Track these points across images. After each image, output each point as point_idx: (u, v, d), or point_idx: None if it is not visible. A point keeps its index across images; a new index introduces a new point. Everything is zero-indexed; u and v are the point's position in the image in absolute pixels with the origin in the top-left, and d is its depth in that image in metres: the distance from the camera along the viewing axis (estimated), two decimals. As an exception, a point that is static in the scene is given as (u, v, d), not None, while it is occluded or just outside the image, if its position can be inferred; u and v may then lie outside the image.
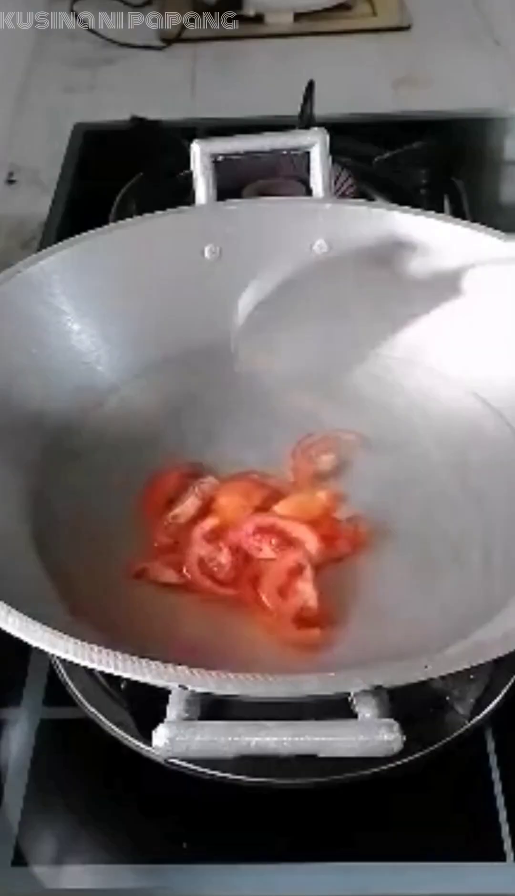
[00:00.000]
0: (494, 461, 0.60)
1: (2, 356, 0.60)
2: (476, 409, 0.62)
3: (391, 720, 0.40)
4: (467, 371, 0.64)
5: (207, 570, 0.54)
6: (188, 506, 0.58)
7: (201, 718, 0.41)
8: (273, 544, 0.55)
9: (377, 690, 0.41)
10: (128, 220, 0.69)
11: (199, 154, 0.65)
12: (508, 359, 0.62)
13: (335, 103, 0.92)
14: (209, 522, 0.57)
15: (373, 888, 0.48)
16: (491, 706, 0.52)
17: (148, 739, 0.41)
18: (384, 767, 0.48)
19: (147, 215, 0.67)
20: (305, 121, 0.88)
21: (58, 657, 0.49)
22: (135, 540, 0.57)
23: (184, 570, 0.54)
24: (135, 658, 0.42)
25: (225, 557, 0.55)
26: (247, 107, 1.01)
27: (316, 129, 0.66)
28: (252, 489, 0.58)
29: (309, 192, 0.67)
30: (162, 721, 0.40)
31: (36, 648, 0.43)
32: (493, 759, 0.52)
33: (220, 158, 0.65)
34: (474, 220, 0.66)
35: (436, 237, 0.65)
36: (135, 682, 0.42)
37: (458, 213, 0.86)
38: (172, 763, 0.49)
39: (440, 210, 0.84)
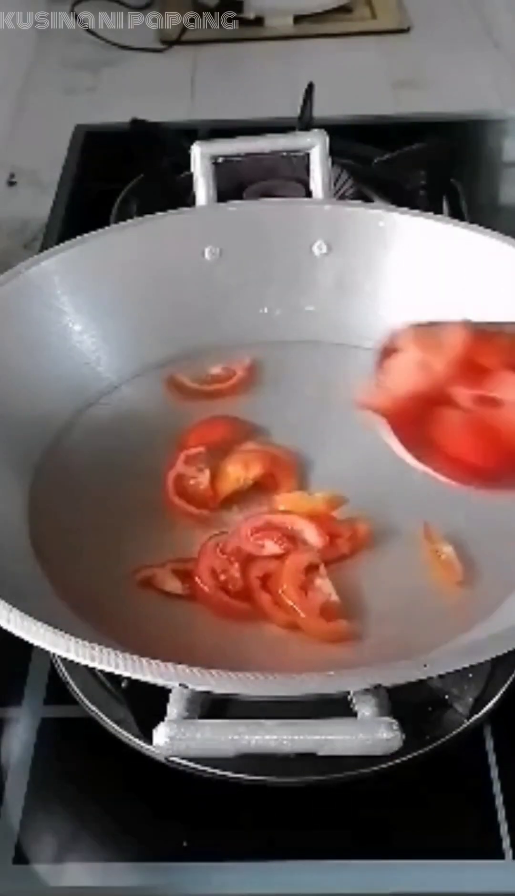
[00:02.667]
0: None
1: (3, 356, 0.60)
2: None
3: (390, 719, 0.40)
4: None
5: (220, 582, 0.54)
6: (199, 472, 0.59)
7: (202, 717, 0.41)
8: (274, 539, 0.55)
9: (376, 689, 0.41)
10: (129, 221, 0.69)
11: (200, 155, 0.65)
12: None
13: (334, 105, 0.92)
14: (221, 536, 0.56)
15: (373, 887, 0.48)
16: (490, 705, 0.52)
17: (148, 738, 0.41)
18: (383, 766, 0.49)
19: (147, 216, 0.68)
20: (305, 122, 0.88)
21: (59, 656, 0.49)
22: (136, 540, 0.57)
23: (197, 581, 0.54)
24: (135, 657, 0.42)
25: (236, 571, 0.54)
26: (247, 108, 1.01)
27: (315, 130, 0.67)
28: (251, 460, 0.59)
29: (308, 193, 0.68)
30: (162, 720, 0.40)
31: (37, 647, 0.43)
32: (492, 758, 0.52)
33: (220, 160, 0.66)
34: (472, 222, 0.66)
35: (435, 238, 0.65)
36: (136, 681, 0.42)
37: (457, 214, 0.86)
38: (173, 761, 0.49)
39: (439, 211, 0.84)
